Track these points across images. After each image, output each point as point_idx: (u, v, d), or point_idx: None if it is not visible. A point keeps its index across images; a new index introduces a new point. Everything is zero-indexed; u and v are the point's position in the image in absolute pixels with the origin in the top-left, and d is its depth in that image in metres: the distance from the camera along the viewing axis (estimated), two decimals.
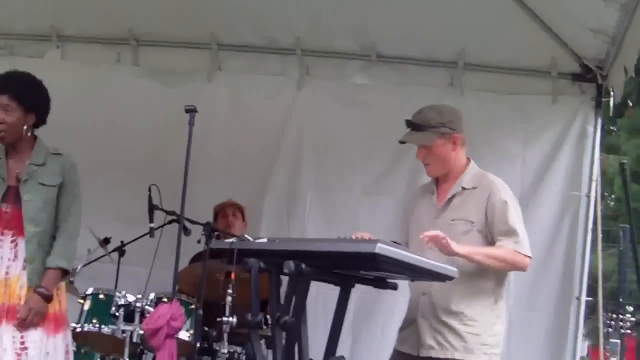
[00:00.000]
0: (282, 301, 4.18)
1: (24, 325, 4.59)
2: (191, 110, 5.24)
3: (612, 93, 6.63)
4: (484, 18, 6.37)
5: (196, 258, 6.60)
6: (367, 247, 3.79)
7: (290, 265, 3.92)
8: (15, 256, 4.72)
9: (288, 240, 4.50)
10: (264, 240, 4.32)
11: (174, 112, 7.21)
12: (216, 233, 6.34)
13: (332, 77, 7.26)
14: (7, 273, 4.71)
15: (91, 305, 5.86)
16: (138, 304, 5.74)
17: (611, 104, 6.72)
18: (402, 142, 4.78)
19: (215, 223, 6.71)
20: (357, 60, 7.18)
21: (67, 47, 7.55)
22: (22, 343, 4.60)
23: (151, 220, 5.89)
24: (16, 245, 4.73)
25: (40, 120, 4.91)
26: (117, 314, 5.73)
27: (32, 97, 4.84)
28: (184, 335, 5.64)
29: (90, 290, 5.92)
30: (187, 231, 5.91)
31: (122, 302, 5.75)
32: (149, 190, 5.85)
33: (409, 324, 4.61)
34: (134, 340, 5.70)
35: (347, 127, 7.21)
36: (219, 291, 5.47)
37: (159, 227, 6.00)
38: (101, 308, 5.77)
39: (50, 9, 7.26)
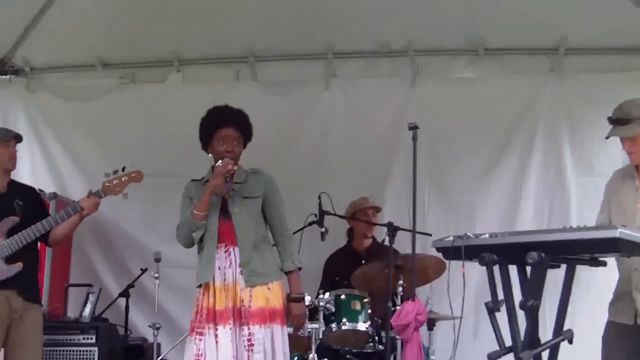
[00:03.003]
0: None
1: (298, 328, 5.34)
2: (414, 127, 5.39)
3: None
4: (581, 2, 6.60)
5: (331, 258, 7.04)
6: (609, 233, 4.07)
7: (534, 255, 4.19)
8: (230, 264, 5.18)
9: (515, 234, 4.72)
10: (486, 235, 4.56)
11: (294, 120, 7.63)
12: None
13: (442, 73, 7.46)
14: (224, 281, 5.19)
15: None
16: (321, 304, 5.95)
17: None
18: (608, 137, 4.99)
19: (353, 220, 6.98)
20: (464, 55, 7.38)
21: (187, 70, 7.74)
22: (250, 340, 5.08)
23: (321, 225, 6.16)
24: (229, 254, 5.20)
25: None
26: None
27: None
28: (362, 326, 6.01)
29: None
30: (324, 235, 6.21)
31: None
32: (319, 197, 6.15)
33: (622, 297, 4.87)
34: (320, 337, 5.92)
35: (458, 119, 7.40)
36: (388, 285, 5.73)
37: (300, 230, 6.32)
38: None
39: (170, 35, 7.42)
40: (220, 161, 5.20)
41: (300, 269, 5.34)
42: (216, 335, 5.09)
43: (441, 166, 7.47)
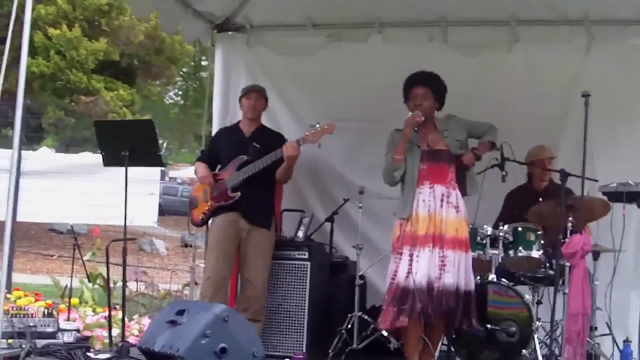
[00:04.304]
0: None
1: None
2: (586, 95, 6.49)
3: None
4: None
5: (512, 194, 8.00)
6: None
7: None
8: (434, 198, 6.56)
9: None
10: None
11: (479, 78, 8.61)
12: None
13: (615, 42, 8.35)
14: (428, 212, 6.52)
15: None
16: (501, 234, 7.17)
17: None
18: None
19: (531, 166, 7.99)
20: (636, 25, 8.28)
21: (386, 32, 8.87)
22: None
23: (502, 169, 7.14)
24: (433, 191, 6.55)
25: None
26: (483, 242, 7.18)
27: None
28: (536, 254, 7.17)
29: None
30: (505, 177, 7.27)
31: (487, 232, 7.18)
32: (501, 147, 7.14)
33: None
34: (498, 261, 7.17)
35: (629, 82, 8.25)
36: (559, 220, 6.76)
37: (483, 171, 7.28)
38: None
39: (368, 1, 8.62)
40: (410, 113, 6.59)
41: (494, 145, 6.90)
42: (411, 256, 6.39)
43: (610, 125, 8.27)
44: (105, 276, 12.31)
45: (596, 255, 7.06)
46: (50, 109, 23.71)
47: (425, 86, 6.79)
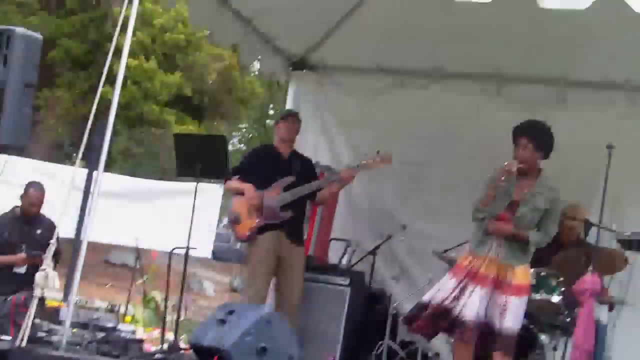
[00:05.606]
0: None
1: None
2: (610, 147, 6.90)
3: None
4: None
5: None
6: None
7: None
8: (501, 242, 6.80)
9: None
10: None
11: None
12: None
13: None
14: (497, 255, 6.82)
15: None
16: None
17: None
18: None
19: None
20: None
21: (445, 82, 9.49)
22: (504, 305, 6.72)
23: None
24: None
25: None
26: None
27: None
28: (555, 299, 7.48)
29: None
30: None
31: None
32: None
33: None
34: None
35: None
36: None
37: None
38: None
39: (431, 52, 9.40)
40: (506, 162, 6.75)
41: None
42: (472, 292, 6.73)
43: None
44: (157, 299, 13.21)
45: (611, 306, 7.54)
46: (122, 137, 24.61)
47: (526, 136, 6.78)
